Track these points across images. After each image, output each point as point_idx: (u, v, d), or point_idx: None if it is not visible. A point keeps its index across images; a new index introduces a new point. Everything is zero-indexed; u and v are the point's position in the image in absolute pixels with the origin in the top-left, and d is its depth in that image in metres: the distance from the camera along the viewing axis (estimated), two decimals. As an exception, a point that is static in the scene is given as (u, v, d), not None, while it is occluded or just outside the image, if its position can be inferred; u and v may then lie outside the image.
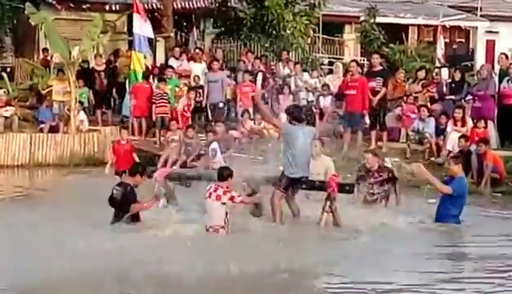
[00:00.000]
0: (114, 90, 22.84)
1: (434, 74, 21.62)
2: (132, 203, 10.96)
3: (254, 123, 20.40)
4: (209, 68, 21.41)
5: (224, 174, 10.80)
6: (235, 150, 18.24)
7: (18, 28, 27.57)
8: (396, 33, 30.56)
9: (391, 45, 29.28)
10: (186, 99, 20.23)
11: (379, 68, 18.95)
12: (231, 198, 10.65)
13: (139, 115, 20.61)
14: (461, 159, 12.57)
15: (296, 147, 11.38)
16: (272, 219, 11.37)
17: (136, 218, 11.11)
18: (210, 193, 10.68)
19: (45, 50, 23.10)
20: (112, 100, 22.93)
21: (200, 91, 20.97)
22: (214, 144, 16.52)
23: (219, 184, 10.74)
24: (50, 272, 8.84)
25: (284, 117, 19.65)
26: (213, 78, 20.93)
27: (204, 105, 20.95)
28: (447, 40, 32.62)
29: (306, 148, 11.55)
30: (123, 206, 10.95)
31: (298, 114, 11.77)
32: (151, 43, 22.93)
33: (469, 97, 19.03)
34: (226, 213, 10.69)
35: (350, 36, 30.74)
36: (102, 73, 22.16)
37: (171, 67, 21.82)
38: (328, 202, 11.24)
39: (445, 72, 21.99)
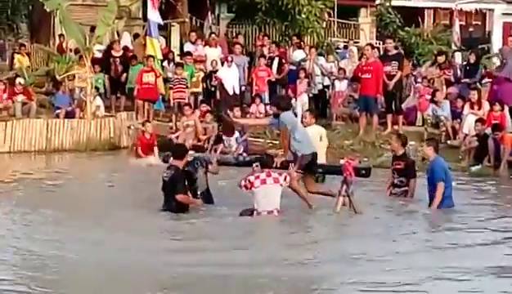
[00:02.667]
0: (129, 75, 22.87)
1: (451, 57, 21.54)
2: (179, 187, 11.07)
3: (270, 108, 20.44)
4: (231, 51, 21.46)
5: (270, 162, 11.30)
6: (250, 134, 18.43)
7: (33, 14, 27.67)
8: (412, 16, 30.37)
9: (407, 28, 29.10)
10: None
11: (395, 52, 18.92)
12: (285, 179, 10.94)
13: (145, 98, 20.66)
14: (435, 143, 12.42)
15: (299, 130, 11.82)
16: (305, 204, 11.49)
17: (183, 208, 11.15)
18: (264, 179, 10.83)
19: (61, 36, 23.14)
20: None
21: (216, 75, 20.96)
22: (236, 133, 16.73)
23: (267, 170, 11.00)
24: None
25: (299, 101, 19.88)
26: (236, 62, 20.99)
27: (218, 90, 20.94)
28: (463, 23, 32.47)
29: (305, 130, 12.22)
30: (171, 189, 11.08)
31: (286, 104, 12.16)
32: (162, 28, 23.03)
33: (486, 80, 18.95)
34: None
35: (365, 20, 30.55)
36: (118, 59, 22.18)
37: (189, 53, 21.84)
38: (344, 186, 11.23)
39: (459, 56, 21.91)
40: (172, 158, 11.62)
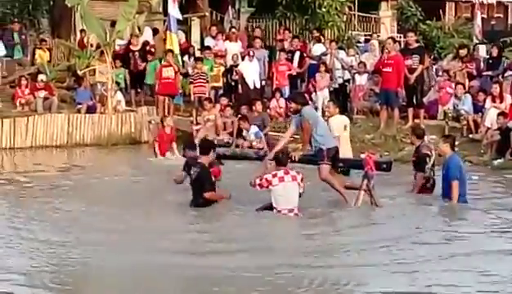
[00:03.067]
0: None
1: (473, 50, 21.39)
2: (207, 184, 11.02)
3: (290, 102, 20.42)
4: (251, 45, 21.44)
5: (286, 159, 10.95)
6: (271, 128, 18.45)
7: (55, 9, 27.73)
8: (433, 9, 30.17)
9: (428, 21, 28.96)
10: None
11: (415, 45, 18.81)
12: (302, 179, 10.74)
13: (162, 94, 20.70)
14: (451, 139, 12.22)
15: (321, 124, 11.74)
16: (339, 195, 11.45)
17: (208, 203, 11.10)
18: (282, 177, 10.64)
19: (83, 31, 23.23)
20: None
21: (237, 69, 20.95)
22: (254, 127, 16.75)
23: (284, 168, 10.78)
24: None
25: (320, 95, 19.85)
26: (256, 56, 21.00)
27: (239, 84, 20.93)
28: (485, 16, 32.24)
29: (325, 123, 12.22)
30: (198, 186, 11.09)
31: (303, 99, 12.12)
32: (182, 23, 23.07)
33: (509, 73, 18.82)
34: None
35: (386, 13, 30.42)
36: (137, 53, 22.22)
37: (208, 47, 21.85)
38: (365, 181, 11.18)
39: (483, 48, 21.74)
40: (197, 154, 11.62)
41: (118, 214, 10.82)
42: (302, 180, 10.72)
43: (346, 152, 12.89)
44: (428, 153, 12.35)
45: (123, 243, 9.18)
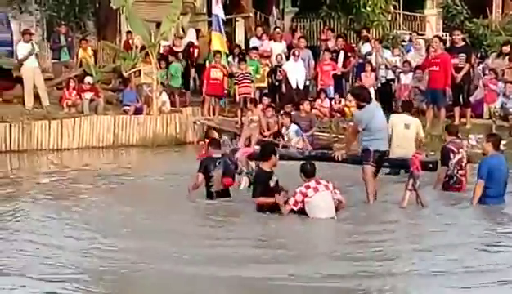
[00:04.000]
0: (192, 71, 23.06)
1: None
2: (258, 189, 10.83)
3: (334, 102, 20.37)
4: (295, 46, 21.45)
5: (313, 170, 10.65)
6: (317, 129, 18.38)
7: (100, 11, 28.01)
8: (479, 6, 29.81)
9: (474, 19, 28.62)
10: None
11: (462, 44, 18.61)
12: (334, 188, 10.54)
13: (209, 95, 20.78)
14: (493, 138, 11.87)
15: (375, 125, 11.34)
16: (367, 198, 11.32)
17: (262, 209, 10.80)
18: (316, 187, 10.38)
19: (129, 32, 23.44)
20: (192, 80, 23.17)
21: (281, 69, 20.92)
22: (294, 126, 16.65)
23: (314, 178, 10.55)
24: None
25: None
26: (301, 56, 20.99)
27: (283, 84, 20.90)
28: (533, 12, 31.73)
29: (384, 123, 11.75)
30: (252, 191, 11.13)
31: (366, 94, 11.68)
32: (226, 24, 23.15)
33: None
34: None
35: (432, 11, 30.15)
36: (180, 55, 22.34)
37: (254, 48, 21.90)
38: (411, 181, 11.08)
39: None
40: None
41: (161, 216, 10.82)
42: (334, 188, 10.53)
43: (409, 151, 12.64)
44: (454, 149, 12.35)
45: (167, 249, 8.95)
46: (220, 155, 11.97)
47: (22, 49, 20.36)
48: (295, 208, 10.41)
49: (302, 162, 11.06)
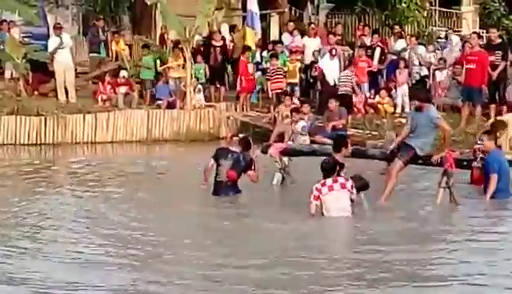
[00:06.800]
0: (228, 66, 23.05)
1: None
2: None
3: (369, 97, 20.26)
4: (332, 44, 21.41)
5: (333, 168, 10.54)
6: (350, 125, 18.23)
7: (135, 6, 28.11)
8: (517, 4, 29.53)
9: (511, 16, 28.33)
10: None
11: (498, 41, 18.47)
12: (352, 186, 10.35)
13: (246, 91, 20.91)
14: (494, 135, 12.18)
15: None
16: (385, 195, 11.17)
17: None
18: (331, 186, 10.21)
19: (164, 27, 23.49)
20: (226, 75, 23.15)
21: (316, 65, 20.79)
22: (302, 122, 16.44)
23: (332, 177, 10.38)
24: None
25: (400, 91, 19.65)
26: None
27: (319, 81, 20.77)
28: None
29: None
30: None
31: (426, 95, 11.79)
32: (261, 19, 23.20)
33: None
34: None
35: (468, 8, 29.85)
36: (218, 49, 22.33)
37: (280, 42, 21.90)
38: (444, 178, 10.99)
39: None
40: None
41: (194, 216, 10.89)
42: (352, 187, 10.27)
43: None
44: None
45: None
46: (237, 151, 12.08)
47: (52, 42, 20.62)
48: (317, 203, 10.24)
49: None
